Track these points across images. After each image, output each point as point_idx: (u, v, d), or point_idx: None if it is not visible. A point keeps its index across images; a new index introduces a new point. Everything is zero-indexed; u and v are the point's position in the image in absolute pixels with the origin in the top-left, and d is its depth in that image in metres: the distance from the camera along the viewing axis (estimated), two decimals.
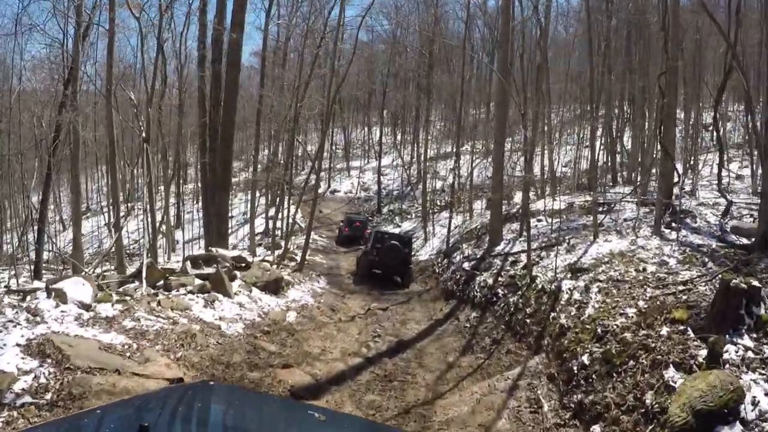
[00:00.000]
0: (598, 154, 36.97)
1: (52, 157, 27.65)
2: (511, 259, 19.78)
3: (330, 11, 26.18)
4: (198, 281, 16.82)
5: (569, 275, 14.80)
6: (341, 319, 18.24)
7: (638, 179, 32.77)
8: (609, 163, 36.40)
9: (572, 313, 12.38)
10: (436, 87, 39.94)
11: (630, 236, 17.80)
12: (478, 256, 22.48)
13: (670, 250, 14.51)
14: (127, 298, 14.24)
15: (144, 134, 18.30)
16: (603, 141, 37.28)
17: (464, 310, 18.70)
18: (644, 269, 13.05)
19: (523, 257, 19.30)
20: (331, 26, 31.19)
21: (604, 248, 16.83)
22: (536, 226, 24.46)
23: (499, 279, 18.34)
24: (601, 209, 26.67)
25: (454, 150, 28.57)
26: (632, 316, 10.49)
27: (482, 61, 52.51)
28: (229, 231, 38.24)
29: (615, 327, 10.38)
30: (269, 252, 28.20)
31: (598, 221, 21.46)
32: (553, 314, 13.17)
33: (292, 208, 45.96)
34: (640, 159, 35.93)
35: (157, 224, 38.29)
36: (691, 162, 30.51)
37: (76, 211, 26.52)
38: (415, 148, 46.44)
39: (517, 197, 34.82)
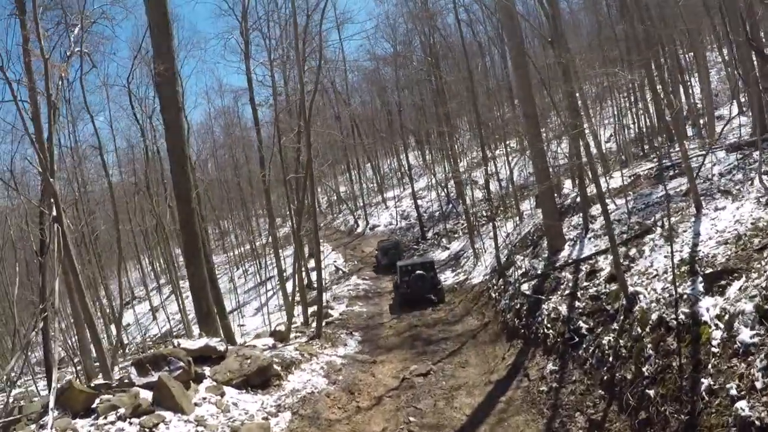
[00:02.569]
0: (642, 114, 29.50)
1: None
2: (585, 267, 12.66)
3: (305, 28, 19.73)
4: (144, 395, 10.56)
5: (701, 284, 7.70)
6: (360, 407, 11.49)
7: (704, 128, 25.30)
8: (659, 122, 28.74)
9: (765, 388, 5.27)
10: (449, 87, 33.33)
11: (749, 194, 10.62)
12: (539, 272, 15.38)
13: None
14: None
15: (55, 212, 12.27)
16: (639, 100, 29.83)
17: (534, 358, 11.64)
18: None
19: (603, 262, 12.19)
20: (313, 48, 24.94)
21: (723, 221, 9.78)
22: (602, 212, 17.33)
23: (577, 304, 11.24)
24: (673, 172, 19.35)
25: (480, 145, 21.64)
26: None
27: (494, 56, 45.69)
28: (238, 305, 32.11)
29: None
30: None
31: (683, 187, 14.32)
32: (706, 381, 6.09)
33: (332, 255, 39.89)
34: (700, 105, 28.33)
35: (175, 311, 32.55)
36: None
37: (76, 312, 20.67)
38: (445, 163, 39.59)
39: (567, 186, 27.61)
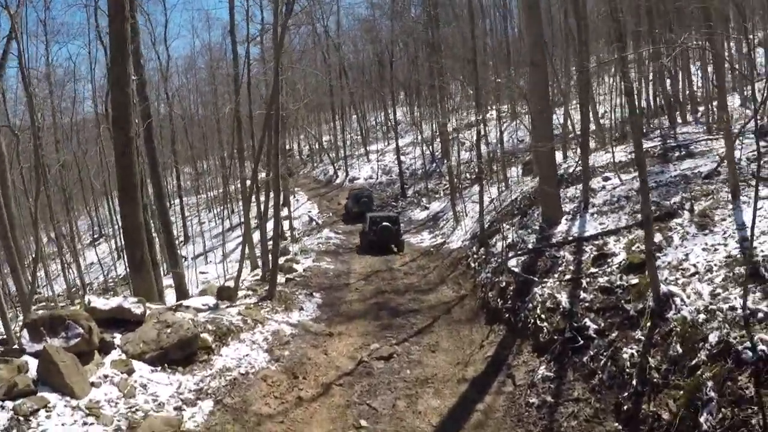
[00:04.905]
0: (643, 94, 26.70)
1: None
2: (590, 249, 10.05)
3: None
4: (32, 367, 7.91)
5: None
6: (302, 398, 8.91)
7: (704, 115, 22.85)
8: (662, 103, 26.16)
9: None
10: (446, 40, 30.13)
11: None
12: (530, 246, 12.78)
13: None
14: None
15: None
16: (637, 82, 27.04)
17: (521, 354, 9.08)
18: None
19: (614, 245, 9.57)
20: None
21: None
22: (603, 187, 14.79)
23: (582, 295, 8.62)
24: (678, 154, 16.89)
25: (474, 97, 18.66)
26: None
27: (495, 20, 42.25)
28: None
29: None
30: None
31: (701, 168, 11.89)
32: None
33: (307, 205, 37.03)
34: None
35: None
36: None
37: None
38: (434, 120, 36.48)
39: (557, 157, 24.92)
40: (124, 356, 8.89)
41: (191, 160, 42.78)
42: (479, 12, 39.04)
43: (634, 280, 7.71)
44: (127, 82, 12.09)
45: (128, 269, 13.76)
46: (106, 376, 8.34)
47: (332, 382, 9.53)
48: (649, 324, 6.61)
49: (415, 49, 37.00)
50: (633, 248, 8.65)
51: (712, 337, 5.33)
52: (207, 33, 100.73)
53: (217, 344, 10.14)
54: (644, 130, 25.04)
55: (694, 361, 5.30)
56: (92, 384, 8.08)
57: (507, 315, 10.79)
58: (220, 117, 35.89)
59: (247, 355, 10.17)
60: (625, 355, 6.49)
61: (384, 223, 23.09)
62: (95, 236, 40.60)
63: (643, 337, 6.53)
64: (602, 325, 7.48)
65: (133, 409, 7.79)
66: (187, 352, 9.35)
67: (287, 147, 42.62)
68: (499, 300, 11.76)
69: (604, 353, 6.96)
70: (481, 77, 29.58)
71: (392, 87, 37.42)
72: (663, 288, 6.76)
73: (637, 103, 27.00)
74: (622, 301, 7.47)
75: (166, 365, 9.00)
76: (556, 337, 8.26)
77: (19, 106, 30.43)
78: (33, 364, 7.95)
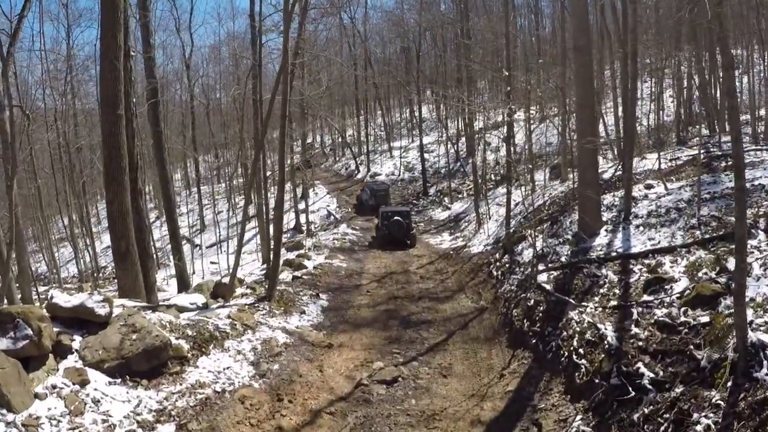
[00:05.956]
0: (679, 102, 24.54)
1: None
2: (639, 269, 8.26)
3: None
4: None
5: None
6: (282, 428, 7.35)
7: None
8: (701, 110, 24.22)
9: None
10: (474, 36, 28.17)
11: None
12: (563, 259, 11.00)
13: None
14: None
15: None
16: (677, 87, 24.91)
17: (550, 394, 7.37)
18: None
19: (671, 268, 7.77)
20: None
21: None
22: (646, 196, 12.92)
23: (633, 329, 6.84)
24: (725, 164, 14.97)
25: (506, 84, 16.60)
26: None
27: (524, 21, 40.12)
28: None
29: None
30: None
31: (762, 180, 10.05)
32: None
33: (326, 199, 35.53)
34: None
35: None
36: None
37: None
38: (459, 117, 34.55)
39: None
40: (80, 363, 7.40)
41: (212, 148, 41.64)
42: (512, 7, 37.14)
43: (704, 318, 5.94)
44: (116, 54, 10.59)
45: (113, 258, 12.27)
46: (54, 387, 6.88)
47: (322, 409, 7.94)
48: (729, 384, 4.85)
49: (443, 44, 35.14)
50: (699, 274, 6.86)
51: None
52: (232, 21, 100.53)
53: (194, 353, 8.58)
54: (683, 138, 23.14)
55: None
56: (36, 396, 6.66)
57: (534, 341, 9.05)
58: (239, 105, 34.61)
59: (228, 368, 8.60)
60: (698, 427, 4.73)
61: (395, 218, 23.49)
62: None
63: (722, 402, 4.77)
64: (661, 374, 5.72)
65: (76, 428, 6.31)
66: (155, 363, 7.80)
67: (308, 139, 41.14)
68: (525, 320, 10.03)
69: (665, 415, 5.21)
70: (512, 73, 27.74)
71: (418, 81, 35.61)
72: (751, 336, 4.99)
73: (675, 109, 25.17)
74: (691, 346, 5.70)
75: (127, 377, 7.49)
76: (597, 381, 6.52)
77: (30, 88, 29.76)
78: None
